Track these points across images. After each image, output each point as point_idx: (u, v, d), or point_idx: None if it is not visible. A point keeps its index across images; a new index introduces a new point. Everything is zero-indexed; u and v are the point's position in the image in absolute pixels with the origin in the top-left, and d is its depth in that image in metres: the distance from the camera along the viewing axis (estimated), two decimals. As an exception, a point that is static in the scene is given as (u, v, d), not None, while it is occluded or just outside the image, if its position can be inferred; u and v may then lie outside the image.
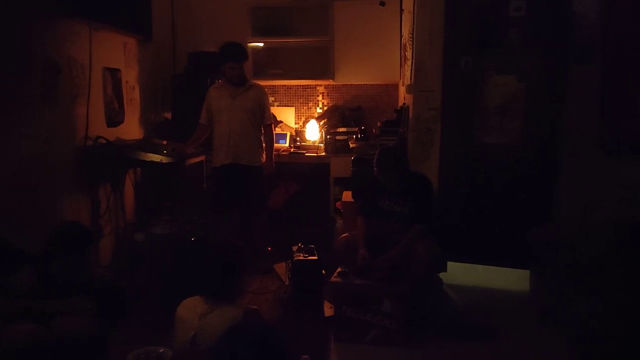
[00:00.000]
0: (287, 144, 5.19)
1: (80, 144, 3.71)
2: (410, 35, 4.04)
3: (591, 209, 3.24)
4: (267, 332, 1.47)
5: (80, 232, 2.41)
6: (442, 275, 3.72)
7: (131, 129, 4.47)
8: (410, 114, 4.00)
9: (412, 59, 3.92)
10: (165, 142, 4.25)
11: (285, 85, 5.51)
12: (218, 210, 4.16)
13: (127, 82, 4.41)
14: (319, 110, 5.48)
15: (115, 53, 4.24)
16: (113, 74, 4.16)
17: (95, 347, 2.06)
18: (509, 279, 3.92)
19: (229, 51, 3.99)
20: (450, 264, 3.82)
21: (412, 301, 3.06)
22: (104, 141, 3.85)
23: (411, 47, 4.00)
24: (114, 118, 4.18)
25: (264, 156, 4.18)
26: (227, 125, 4.03)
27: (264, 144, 4.19)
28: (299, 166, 4.99)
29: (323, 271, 3.66)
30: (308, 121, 5.37)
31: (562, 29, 3.57)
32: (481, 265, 4.03)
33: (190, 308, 2.16)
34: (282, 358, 1.43)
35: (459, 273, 3.95)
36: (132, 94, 4.52)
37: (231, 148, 4.04)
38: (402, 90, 4.80)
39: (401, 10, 4.81)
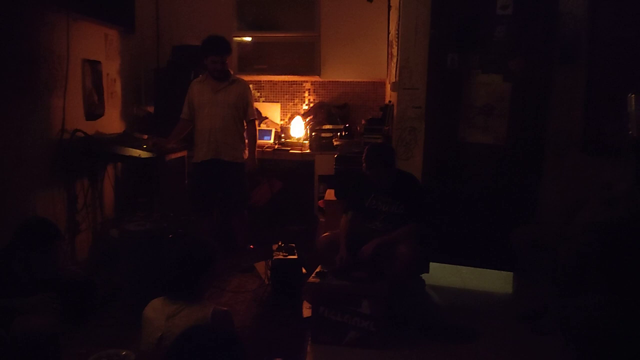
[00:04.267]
0: (272, 141, 5.11)
1: (57, 137, 3.62)
2: (397, 32, 3.97)
3: (573, 209, 3.20)
4: (224, 336, 1.40)
5: (45, 228, 2.32)
6: (424, 276, 3.67)
7: (112, 122, 4.38)
8: (395, 112, 3.94)
9: (398, 55, 3.86)
10: (146, 137, 4.16)
11: (271, 81, 5.44)
12: (198, 206, 4.09)
13: (108, 74, 4.31)
14: (305, 107, 5.40)
15: (95, 45, 4.14)
16: (93, 66, 4.06)
17: (49, 349, 1.98)
18: (492, 280, 3.88)
19: (210, 44, 3.91)
20: (433, 265, 3.77)
21: (391, 301, 3.01)
22: (81, 134, 3.76)
23: (397, 43, 3.94)
24: (94, 111, 4.09)
25: (246, 152, 4.10)
26: (209, 120, 3.96)
27: (246, 140, 4.11)
28: (283, 163, 4.92)
29: (303, 270, 3.60)
30: (294, 118, 5.30)
31: (548, 28, 3.52)
32: (464, 267, 3.99)
33: (158, 309, 2.08)
34: None
35: (442, 274, 3.92)
36: (113, 87, 4.43)
37: (212, 144, 3.96)
38: (388, 87, 4.74)
39: (389, 6, 4.74)
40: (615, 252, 2.65)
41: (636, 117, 2.51)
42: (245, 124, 4.09)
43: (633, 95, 2.57)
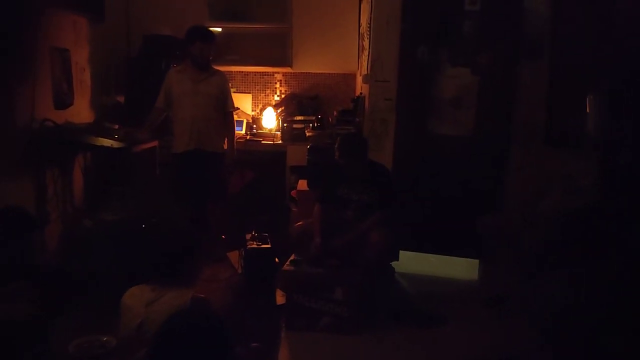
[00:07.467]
0: (243, 131, 5.13)
1: (26, 126, 3.56)
2: (368, 25, 4.04)
3: (537, 199, 3.35)
4: (209, 320, 1.46)
5: (22, 217, 2.32)
6: (394, 264, 3.77)
7: (81, 112, 4.31)
8: (366, 104, 4.02)
9: (369, 48, 3.93)
10: (117, 127, 4.13)
11: (242, 72, 5.44)
12: (181, 195, 4.09)
13: (77, 63, 4.24)
14: (276, 98, 5.43)
15: (64, 32, 4.07)
16: (61, 54, 4.00)
17: (34, 335, 1.99)
18: (459, 268, 4.01)
19: (199, 31, 3.94)
20: (402, 253, 3.88)
21: (363, 288, 3.10)
22: (51, 124, 3.71)
23: (369, 37, 4.01)
24: (63, 100, 4.01)
25: (225, 143, 4.14)
26: (191, 110, 3.95)
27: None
28: (255, 154, 4.94)
29: (276, 259, 3.65)
30: (265, 109, 5.32)
31: (514, 24, 3.65)
32: (432, 255, 4.11)
33: (136, 296, 2.11)
34: (223, 346, 1.42)
35: (411, 262, 4.02)
36: (83, 76, 4.36)
37: (194, 134, 3.96)
38: (359, 80, 4.82)
39: (360, 0, 4.81)
40: (576, 239, 2.80)
41: (594, 118, 2.63)
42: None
43: (591, 97, 2.69)
